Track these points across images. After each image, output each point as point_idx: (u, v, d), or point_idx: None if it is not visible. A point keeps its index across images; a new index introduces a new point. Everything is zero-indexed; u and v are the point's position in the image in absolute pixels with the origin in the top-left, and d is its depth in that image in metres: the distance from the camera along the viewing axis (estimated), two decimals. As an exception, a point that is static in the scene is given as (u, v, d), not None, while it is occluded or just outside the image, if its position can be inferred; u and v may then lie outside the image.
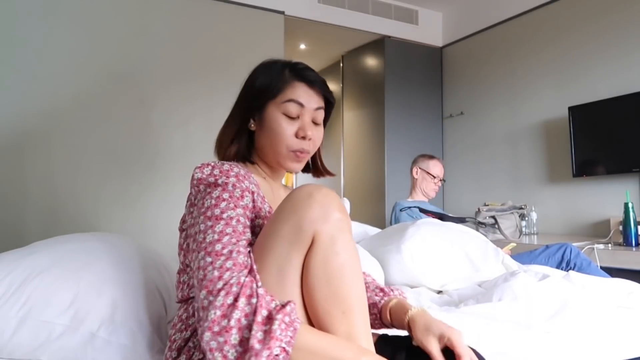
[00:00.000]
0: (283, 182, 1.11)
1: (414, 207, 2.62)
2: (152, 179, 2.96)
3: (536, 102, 3.46)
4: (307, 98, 0.94)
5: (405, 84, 4.09)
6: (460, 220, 2.69)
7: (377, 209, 3.99)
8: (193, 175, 0.89)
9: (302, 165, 0.98)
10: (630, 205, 2.52)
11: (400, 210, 2.61)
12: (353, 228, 2.07)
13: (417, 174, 2.75)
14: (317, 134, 0.97)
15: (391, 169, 3.96)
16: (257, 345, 0.67)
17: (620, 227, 2.59)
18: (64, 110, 2.75)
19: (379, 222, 3.73)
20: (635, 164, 2.75)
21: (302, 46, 4.33)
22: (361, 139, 4.33)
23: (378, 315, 0.93)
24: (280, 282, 0.76)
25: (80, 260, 1.06)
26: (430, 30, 4.27)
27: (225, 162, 0.90)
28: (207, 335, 0.69)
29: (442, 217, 2.57)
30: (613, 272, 2.30)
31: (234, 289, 0.71)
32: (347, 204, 2.06)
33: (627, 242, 2.52)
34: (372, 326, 0.94)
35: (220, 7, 3.25)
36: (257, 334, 0.67)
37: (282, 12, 3.48)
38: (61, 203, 2.71)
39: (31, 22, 2.68)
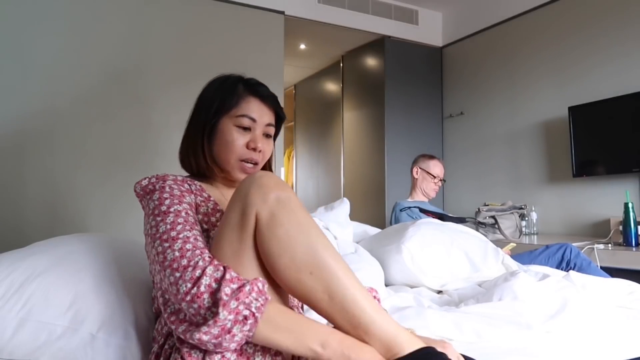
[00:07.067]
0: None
1: (414, 207, 2.62)
2: (152, 179, 2.96)
3: (536, 102, 3.46)
4: (259, 113, 1.01)
5: (405, 84, 4.09)
6: (460, 220, 2.69)
7: (377, 209, 3.99)
8: (135, 190, 0.94)
9: None
10: (630, 205, 2.52)
11: (400, 210, 2.61)
12: (353, 228, 2.08)
13: (417, 174, 2.75)
14: (267, 147, 1.03)
15: (391, 169, 3.95)
16: (224, 297, 0.68)
17: (620, 227, 2.59)
18: (64, 110, 2.75)
19: (379, 222, 3.73)
20: (635, 164, 2.75)
21: (302, 46, 4.33)
22: (361, 139, 4.33)
23: None
24: (238, 263, 0.76)
25: (80, 261, 1.06)
26: (430, 30, 4.26)
27: (160, 174, 0.96)
28: (184, 305, 0.71)
29: (442, 217, 2.57)
30: (613, 272, 2.30)
31: (200, 263, 0.73)
32: (346, 204, 2.06)
33: (627, 242, 2.52)
34: None
35: (220, 7, 3.24)
36: (225, 288, 0.70)
37: (282, 12, 3.48)
38: (61, 203, 2.71)
39: (31, 21, 2.68)
